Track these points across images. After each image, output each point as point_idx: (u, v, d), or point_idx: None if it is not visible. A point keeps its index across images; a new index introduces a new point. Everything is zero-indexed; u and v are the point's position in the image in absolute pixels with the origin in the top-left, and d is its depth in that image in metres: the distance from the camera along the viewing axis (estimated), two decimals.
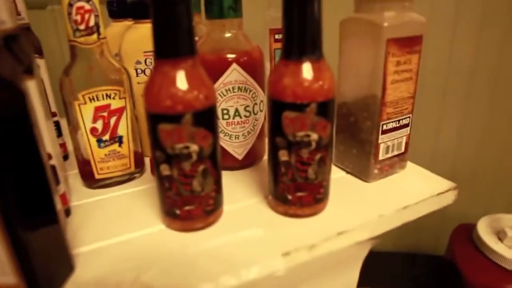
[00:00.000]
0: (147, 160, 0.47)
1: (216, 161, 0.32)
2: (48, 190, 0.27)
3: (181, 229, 0.34)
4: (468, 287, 0.63)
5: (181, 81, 0.29)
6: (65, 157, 0.50)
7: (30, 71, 0.38)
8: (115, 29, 0.50)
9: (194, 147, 0.30)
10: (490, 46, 0.83)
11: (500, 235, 0.64)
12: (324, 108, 0.31)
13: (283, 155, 0.33)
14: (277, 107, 0.32)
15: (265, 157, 0.49)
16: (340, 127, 0.44)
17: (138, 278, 0.28)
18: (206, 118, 0.30)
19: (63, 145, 0.49)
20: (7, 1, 0.33)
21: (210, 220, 0.34)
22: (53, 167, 0.34)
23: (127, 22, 0.48)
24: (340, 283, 0.38)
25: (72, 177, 0.45)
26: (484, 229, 0.67)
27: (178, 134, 0.29)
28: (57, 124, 0.48)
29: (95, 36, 0.36)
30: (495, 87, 0.87)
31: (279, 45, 0.52)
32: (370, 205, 0.38)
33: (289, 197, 0.34)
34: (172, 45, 0.29)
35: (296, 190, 0.34)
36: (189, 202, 0.32)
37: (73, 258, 0.30)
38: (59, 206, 0.31)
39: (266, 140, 0.48)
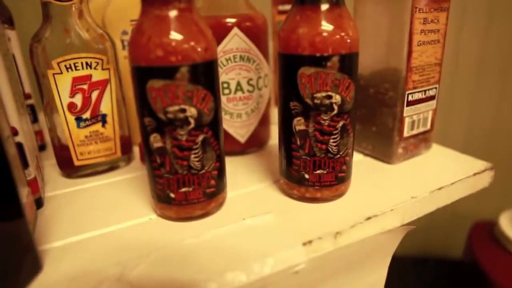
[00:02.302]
0: (135, 150, 0.41)
1: (218, 131, 0.27)
2: (8, 170, 0.21)
3: (177, 217, 0.27)
4: (494, 287, 0.57)
5: (176, 26, 0.23)
6: (42, 147, 0.44)
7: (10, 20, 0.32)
8: (98, 1, 0.44)
9: (191, 111, 0.24)
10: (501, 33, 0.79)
11: None
12: (349, 63, 0.26)
13: (299, 124, 0.27)
14: (291, 63, 0.26)
15: (271, 141, 0.43)
16: (360, 102, 0.38)
17: (124, 275, 0.22)
18: (206, 74, 0.25)
19: (39, 133, 0.43)
20: None
21: (211, 206, 0.28)
22: (19, 145, 0.28)
23: None
24: (368, 280, 0.32)
25: (49, 167, 0.39)
26: (507, 225, 0.61)
27: (172, 93, 0.23)
28: (32, 108, 0.42)
29: None
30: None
31: (282, 17, 0.47)
32: (399, 187, 0.32)
33: (306, 176, 0.29)
34: None
35: (314, 167, 0.28)
36: (186, 182, 0.26)
37: (39, 255, 0.24)
38: (24, 191, 0.25)
39: (271, 124, 0.42)
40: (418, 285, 0.87)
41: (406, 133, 0.35)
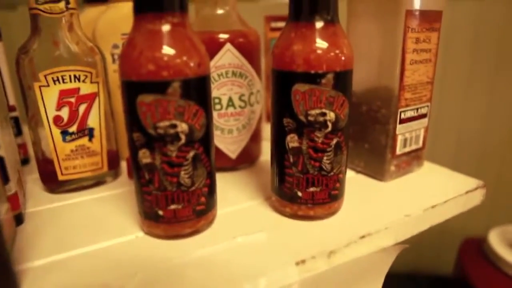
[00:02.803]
0: (123, 165, 0.40)
1: (210, 148, 0.26)
2: None
3: (165, 235, 0.26)
4: None
5: (168, 40, 0.23)
6: (25, 161, 0.42)
7: None
8: (89, 14, 0.44)
9: (182, 126, 0.24)
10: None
11: None
12: (343, 80, 0.26)
13: (292, 141, 0.27)
14: (285, 80, 0.26)
15: (262, 157, 0.42)
16: (351, 119, 0.38)
17: None
18: (198, 89, 0.24)
19: (22, 146, 0.42)
20: None
21: (201, 224, 0.27)
22: (0, 159, 0.26)
23: (103, 7, 0.42)
24: None
25: (31, 182, 0.37)
26: (496, 242, 0.61)
27: (163, 108, 0.23)
28: (16, 121, 0.40)
29: (62, 4, 0.30)
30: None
31: (275, 34, 0.47)
32: (392, 205, 0.32)
33: (299, 193, 0.28)
34: None
35: (307, 185, 0.28)
36: (175, 200, 0.25)
37: (16, 276, 0.22)
38: (3, 208, 0.24)
39: (262, 140, 0.42)
40: None
41: (398, 151, 0.35)
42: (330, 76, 0.25)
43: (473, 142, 0.87)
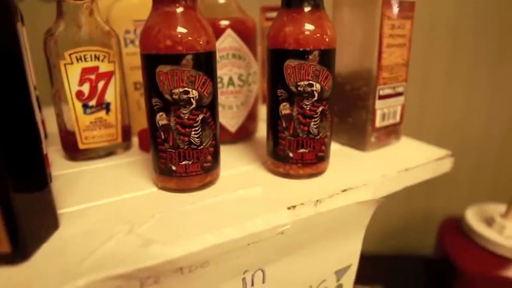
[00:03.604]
0: (134, 140, 0.44)
1: (215, 113, 0.31)
2: (38, 141, 0.25)
3: (177, 188, 0.31)
4: (464, 277, 0.62)
5: (182, 21, 0.28)
6: (44, 136, 0.46)
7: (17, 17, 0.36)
8: (103, 2, 0.48)
9: (193, 93, 0.28)
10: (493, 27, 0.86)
11: (489, 222, 0.64)
12: (327, 57, 0.31)
13: (285, 108, 0.32)
14: (278, 56, 0.31)
15: (258, 134, 0.47)
16: (337, 98, 0.43)
17: (133, 230, 0.26)
18: (207, 62, 0.29)
19: (42, 122, 0.46)
20: None
21: (207, 179, 0.32)
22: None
23: None
24: (344, 250, 0.36)
25: (52, 152, 0.42)
26: (472, 218, 0.67)
27: (178, 76, 0.28)
28: (36, 99, 0.45)
29: None
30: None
31: (270, 23, 0.52)
32: (371, 168, 0.37)
33: (291, 154, 0.33)
34: None
35: (298, 147, 0.32)
36: (186, 156, 0.30)
37: (57, 215, 0.27)
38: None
39: (258, 119, 0.47)
40: (394, 280, 0.92)
41: (378, 124, 0.40)
42: (316, 53, 0.30)
43: (456, 127, 0.92)
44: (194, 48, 0.28)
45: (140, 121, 0.45)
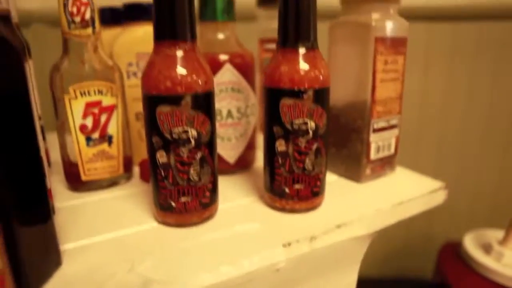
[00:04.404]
0: (135, 169, 0.45)
1: (213, 150, 0.32)
2: (42, 176, 0.26)
3: (176, 223, 0.32)
4: None
5: (182, 63, 0.29)
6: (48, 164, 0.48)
7: (23, 52, 0.37)
8: (105, 36, 0.50)
9: (192, 132, 0.29)
10: (485, 68, 0.88)
11: (487, 249, 0.64)
12: (321, 96, 0.32)
13: (280, 145, 0.33)
14: (274, 95, 0.32)
15: (256, 163, 0.48)
16: (330, 130, 0.44)
17: (134, 269, 0.26)
18: (205, 102, 0.30)
19: (46, 152, 0.47)
20: None
21: (206, 215, 0.33)
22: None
23: (119, 29, 0.48)
24: (339, 283, 0.37)
25: (55, 182, 0.43)
26: (470, 245, 0.67)
27: (177, 117, 0.29)
28: (41, 129, 0.46)
29: (90, 29, 0.36)
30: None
31: (268, 54, 0.53)
32: (366, 201, 0.37)
33: (287, 190, 0.34)
34: (173, 27, 0.29)
35: (293, 182, 0.33)
36: (185, 193, 0.31)
37: (60, 252, 0.28)
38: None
39: (256, 149, 0.48)
40: None
41: (372, 157, 0.41)
42: (310, 92, 0.31)
43: (452, 152, 0.93)
44: (193, 89, 0.29)
45: (142, 151, 0.46)
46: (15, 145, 0.23)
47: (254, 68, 0.44)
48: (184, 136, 0.29)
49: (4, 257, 0.23)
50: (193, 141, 0.30)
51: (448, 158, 0.94)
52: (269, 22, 0.52)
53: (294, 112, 0.31)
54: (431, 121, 0.92)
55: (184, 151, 0.30)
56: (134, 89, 0.44)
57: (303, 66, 0.31)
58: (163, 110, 0.29)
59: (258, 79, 0.53)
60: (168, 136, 0.29)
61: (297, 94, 0.31)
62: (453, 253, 0.71)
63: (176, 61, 0.29)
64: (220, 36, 0.42)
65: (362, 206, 0.36)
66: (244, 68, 0.42)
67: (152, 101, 0.29)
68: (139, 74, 0.44)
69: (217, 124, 0.42)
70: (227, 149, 0.43)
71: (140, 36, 0.43)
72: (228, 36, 0.42)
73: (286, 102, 0.31)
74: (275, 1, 0.54)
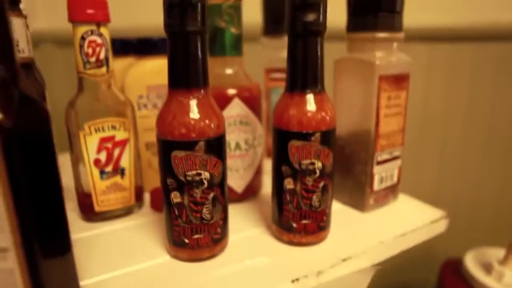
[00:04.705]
0: (146, 196, 0.47)
1: (224, 189, 0.33)
2: (64, 216, 0.27)
3: (189, 258, 0.33)
4: None
5: (195, 110, 0.30)
6: None
7: (43, 95, 0.39)
8: (117, 65, 0.51)
9: (205, 174, 0.31)
10: (484, 89, 0.90)
11: (488, 268, 0.65)
12: (328, 137, 0.33)
13: (289, 183, 0.34)
14: (283, 137, 0.34)
15: (262, 191, 0.49)
16: (336, 160, 0.46)
17: None
18: (218, 146, 0.31)
19: None
20: (24, 34, 0.35)
21: (217, 249, 0.34)
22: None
23: (129, 59, 0.50)
24: None
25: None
26: (471, 263, 0.68)
27: (191, 161, 0.30)
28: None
29: (104, 69, 0.38)
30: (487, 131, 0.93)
31: (274, 83, 0.55)
32: (370, 233, 0.39)
33: (294, 225, 0.35)
34: (187, 76, 0.30)
35: (301, 218, 0.35)
36: (198, 230, 0.32)
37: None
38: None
39: (263, 174, 0.49)
40: None
41: (376, 187, 0.43)
42: (318, 134, 0.33)
43: (453, 167, 0.95)
44: (206, 134, 0.30)
45: (152, 178, 0.47)
46: (43, 190, 0.24)
47: (261, 99, 0.46)
48: (197, 178, 0.31)
49: None
50: (206, 183, 0.31)
51: (449, 174, 0.95)
52: (274, 52, 0.54)
53: (302, 153, 0.33)
54: (432, 137, 0.93)
55: (197, 192, 0.31)
56: (144, 120, 0.46)
57: (311, 110, 0.33)
58: (177, 154, 0.30)
59: (264, 108, 0.55)
60: (182, 178, 0.31)
61: (305, 136, 0.33)
62: (455, 270, 0.72)
63: (189, 108, 0.30)
64: (229, 71, 0.43)
65: (366, 238, 0.38)
66: (252, 101, 0.43)
67: (167, 146, 0.30)
68: (149, 106, 0.46)
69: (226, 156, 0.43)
70: (236, 179, 0.44)
71: (151, 70, 0.45)
72: (236, 71, 0.44)
73: (294, 143, 0.33)
74: (281, 32, 0.56)
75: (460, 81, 0.90)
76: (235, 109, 0.42)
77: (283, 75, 0.55)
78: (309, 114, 0.33)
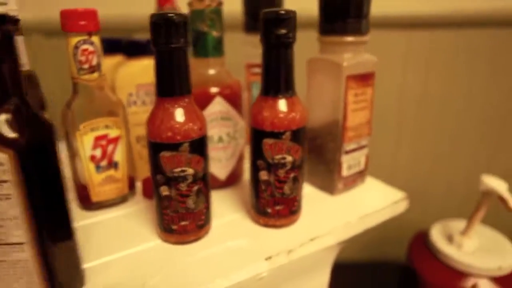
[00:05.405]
0: (138, 184, 0.51)
1: (207, 182, 0.38)
2: (68, 210, 0.32)
3: (177, 242, 0.39)
4: None
5: (179, 115, 0.35)
6: None
7: (42, 102, 0.43)
8: (106, 63, 0.55)
9: (190, 171, 0.36)
10: (438, 77, 0.95)
11: (450, 239, 0.73)
12: (297, 135, 0.38)
13: (263, 175, 0.39)
14: (258, 135, 0.38)
15: (244, 177, 0.54)
16: (309, 149, 0.51)
17: (146, 283, 0.33)
18: (200, 145, 0.36)
19: None
20: (24, 49, 0.38)
21: (201, 233, 0.39)
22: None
23: (118, 57, 0.53)
24: (314, 284, 0.44)
25: None
26: (436, 235, 0.75)
27: (177, 160, 0.35)
28: None
29: (96, 74, 0.41)
30: (441, 113, 0.98)
31: (254, 78, 0.59)
32: (337, 214, 0.44)
33: (269, 210, 0.40)
34: (172, 87, 0.34)
35: (274, 204, 0.40)
36: (184, 218, 0.37)
37: (84, 272, 0.34)
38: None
39: (244, 160, 0.54)
40: (374, 286, 1.00)
41: (344, 174, 0.48)
42: (288, 133, 0.37)
43: (428, 144, 1.01)
44: (189, 136, 0.35)
45: (142, 168, 0.52)
46: (51, 191, 0.29)
47: (241, 95, 0.50)
48: (182, 174, 0.35)
49: (45, 282, 0.29)
50: (190, 178, 0.36)
51: (424, 150, 1.01)
52: (254, 48, 0.57)
53: (275, 150, 0.38)
54: (409, 114, 0.99)
55: (183, 186, 0.36)
56: (134, 116, 0.50)
57: (282, 112, 0.37)
58: (165, 155, 0.35)
59: (246, 100, 0.59)
60: (169, 174, 0.35)
61: (276, 135, 0.37)
62: (422, 242, 0.79)
63: (175, 114, 0.35)
64: (211, 71, 0.47)
65: (333, 219, 0.43)
66: (233, 97, 0.48)
67: (155, 147, 0.35)
68: (139, 103, 0.50)
69: (209, 148, 0.48)
70: (219, 168, 0.49)
71: (139, 70, 0.49)
72: (218, 70, 0.47)
73: (267, 141, 0.38)
74: None
75: (438, 66, 0.95)
76: (217, 107, 0.46)
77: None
78: (280, 116, 0.37)
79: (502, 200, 0.64)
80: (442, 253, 0.71)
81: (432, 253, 0.74)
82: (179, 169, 0.35)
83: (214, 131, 0.47)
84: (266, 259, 0.37)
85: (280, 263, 0.37)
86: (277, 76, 0.37)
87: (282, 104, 0.37)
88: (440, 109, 0.98)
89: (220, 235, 0.41)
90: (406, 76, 0.95)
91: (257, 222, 0.42)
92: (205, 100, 0.46)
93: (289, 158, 0.38)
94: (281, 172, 0.39)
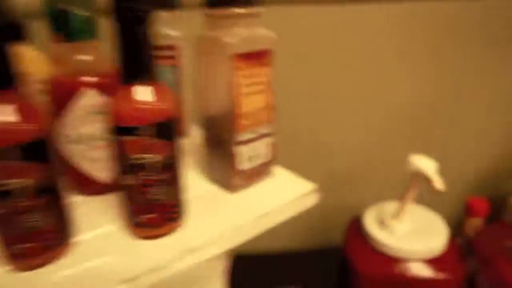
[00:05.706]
0: None
1: (57, 193, 0.31)
2: None
3: (19, 269, 0.31)
4: (357, 276, 0.68)
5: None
6: None
7: None
8: None
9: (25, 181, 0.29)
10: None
11: (383, 223, 0.69)
12: (163, 130, 0.31)
13: (127, 179, 0.33)
14: (115, 132, 0.31)
15: None
16: (207, 141, 0.44)
17: None
18: (38, 150, 0.29)
19: None
20: None
21: (52, 256, 0.32)
22: None
23: None
24: None
25: None
26: (369, 220, 0.72)
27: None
28: None
29: None
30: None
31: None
32: (227, 217, 0.38)
33: (140, 220, 0.34)
34: None
35: (144, 212, 0.34)
36: (27, 240, 0.30)
37: None
38: None
39: None
40: (315, 277, 0.96)
41: (242, 167, 0.42)
42: (149, 128, 0.31)
43: (375, 128, 0.97)
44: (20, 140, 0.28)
45: None
46: None
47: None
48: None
49: None
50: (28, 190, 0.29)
51: (372, 132, 0.98)
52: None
53: (134, 148, 0.31)
54: (349, 92, 0.94)
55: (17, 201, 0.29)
56: None
57: (139, 102, 0.31)
58: None
59: None
60: None
61: (132, 130, 0.31)
62: (357, 228, 0.75)
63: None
64: (82, 57, 0.39)
65: (221, 224, 0.37)
66: (111, 88, 0.40)
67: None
68: None
69: (82, 147, 0.41)
70: (98, 169, 0.42)
71: None
72: (90, 56, 0.40)
73: (125, 138, 0.31)
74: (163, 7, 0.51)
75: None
76: (86, 100, 0.39)
77: (164, 53, 0.52)
78: (136, 106, 0.31)
79: (429, 180, 0.61)
80: (374, 238, 0.67)
81: (364, 239, 0.70)
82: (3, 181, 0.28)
83: (86, 128, 0.40)
84: (125, 281, 0.30)
85: (144, 285, 0.31)
86: (128, 60, 0.30)
87: (138, 93, 0.31)
88: (383, 91, 0.94)
89: (84, 252, 0.34)
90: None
91: (132, 233, 0.36)
92: (75, 92, 0.38)
93: (154, 158, 0.32)
94: (145, 174, 0.32)
